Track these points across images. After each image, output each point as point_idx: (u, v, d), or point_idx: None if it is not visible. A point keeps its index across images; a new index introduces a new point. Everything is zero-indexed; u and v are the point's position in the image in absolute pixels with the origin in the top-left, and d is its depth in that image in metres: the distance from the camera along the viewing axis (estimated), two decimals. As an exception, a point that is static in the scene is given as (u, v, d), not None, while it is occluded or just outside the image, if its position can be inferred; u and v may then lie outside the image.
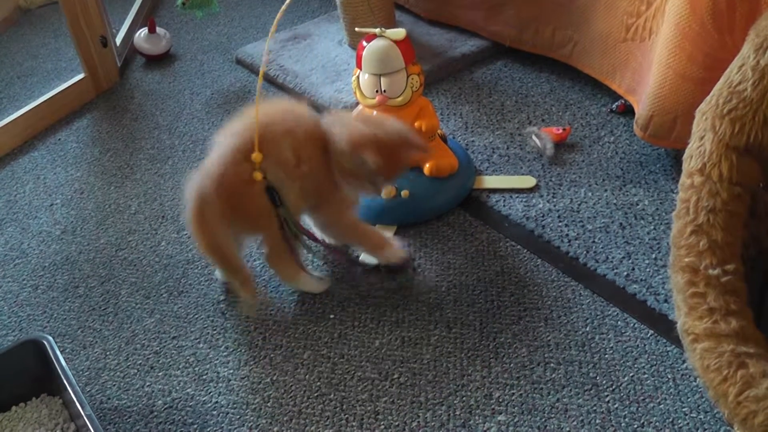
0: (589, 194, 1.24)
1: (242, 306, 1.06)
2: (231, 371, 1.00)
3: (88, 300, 1.14)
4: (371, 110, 1.20)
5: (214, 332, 1.06)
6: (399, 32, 1.14)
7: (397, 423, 0.91)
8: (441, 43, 1.70)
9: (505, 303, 1.05)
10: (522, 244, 1.15)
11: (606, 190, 1.24)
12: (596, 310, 1.03)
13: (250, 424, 0.92)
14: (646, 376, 0.93)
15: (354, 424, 0.91)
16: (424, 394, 0.94)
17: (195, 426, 0.93)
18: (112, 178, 1.43)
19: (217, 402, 0.96)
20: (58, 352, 0.90)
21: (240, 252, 1.06)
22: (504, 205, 1.23)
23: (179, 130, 1.56)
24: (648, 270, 1.08)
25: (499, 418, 0.90)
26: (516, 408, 0.91)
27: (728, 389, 0.68)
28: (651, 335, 0.98)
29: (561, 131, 1.36)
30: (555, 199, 1.24)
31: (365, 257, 1.11)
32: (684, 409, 0.89)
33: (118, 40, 1.87)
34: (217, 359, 1.02)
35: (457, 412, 0.91)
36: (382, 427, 0.90)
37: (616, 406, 0.90)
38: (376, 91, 1.17)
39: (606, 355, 0.96)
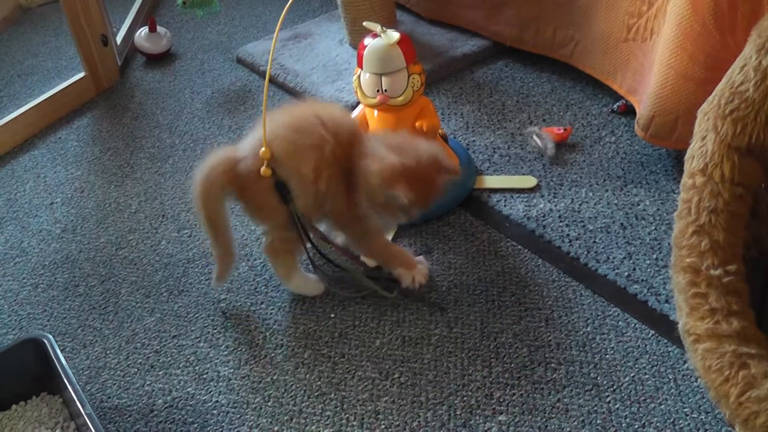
0: (590, 194, 1.24)
1: (213, 276, 1.09)
2: (231, 370, 1.00)
3: (88, 299, 1.14)
4: (372, 109, 1.20)
5: (215, 331, 1.06)
6: (391, 36, 1.14)
7: (397, 423, 0.90)
8: (442, 42, 1.70)
9: (505, 303, 1.05)
10: (523, 244, 1.15)
11: (607, 191, 1.24)
12: (597, 310, 1.03)
13: (250, 424, 0.92)
14: (647, 376, 0.93)
15: (354, 423, 0.91)
16: (424, 393, 0.94)
17: (195, 425, 0.93)
18: (113, 176, 1.43)
19: (217, 401, 0.96)
20: (58, 351, 0.90)
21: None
22: (505, 205, 1.23)
23: (180, 129, 1.55)
24: (649, 270, 1.08)
25: (499, 418, 0.90)
26: (517, 408, 0.91)
27: (730, 390, 0.68)
28: (652, 336, 0.98)
29: (562, 131, 1.36)
30: (556, 199, 1.23)
31: (365, 257, 1.11)
32: (685, 410, 0.89)
33: (119, 38, 1.87)
34: (218, 358, 1.02)
35: (458, 412, 0.91)
36: (383, 426, 0.90)
37: (617, 406, 0.90)
38: (377, 91, 1.16)
39: (607, 356, 0.96)
